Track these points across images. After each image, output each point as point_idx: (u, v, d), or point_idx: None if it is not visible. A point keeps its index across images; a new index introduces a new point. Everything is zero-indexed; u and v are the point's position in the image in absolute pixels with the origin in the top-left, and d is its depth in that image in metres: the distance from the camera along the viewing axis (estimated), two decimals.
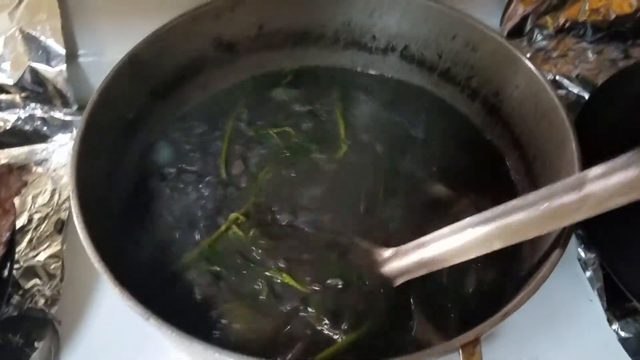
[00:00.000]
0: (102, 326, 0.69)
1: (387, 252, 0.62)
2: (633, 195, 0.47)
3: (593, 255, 0.73)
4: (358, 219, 0.68)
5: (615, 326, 0.70)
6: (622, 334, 0.69)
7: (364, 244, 0.65)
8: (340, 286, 0.62)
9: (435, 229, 0.57)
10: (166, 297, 0.59)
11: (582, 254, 0.74)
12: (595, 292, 0.72)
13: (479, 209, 0.54)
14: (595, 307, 0.72)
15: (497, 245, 0.53)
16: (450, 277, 0.63)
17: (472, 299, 0.63)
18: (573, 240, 0.74)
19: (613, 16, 0.97)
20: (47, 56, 0.83)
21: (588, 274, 0.74)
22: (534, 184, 0.69)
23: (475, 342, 0.48)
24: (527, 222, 0.51)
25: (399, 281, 0.61)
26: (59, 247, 0.73)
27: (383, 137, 0.76)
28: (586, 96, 0.92)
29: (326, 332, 0.60)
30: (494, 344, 0.68)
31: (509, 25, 0.97)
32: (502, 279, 0.64)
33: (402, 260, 0.60)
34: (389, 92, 0.83)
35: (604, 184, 0.47)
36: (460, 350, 0.47)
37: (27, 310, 0.68)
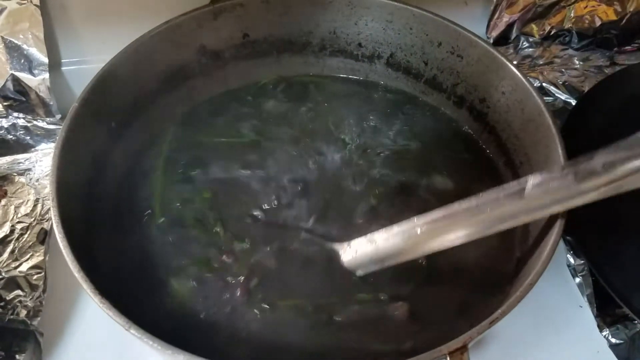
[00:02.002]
0: (85, 338, 0.68)
1: (343, 246, 0.63)
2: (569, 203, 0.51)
3: (582, 262, 0.73)
4: (343, 223, 0.68)
5: (605, 332, 0.70)
6: (613, 340, 0.69)
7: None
8: None
9: None
10: (149, 307, 0.58)
11: (571, 260, 0.74)
12: (585, 299, 0.72)
13: None
14: (585, 314, 0.71)
15: (447, 244, 0.55)
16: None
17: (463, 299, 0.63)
18: (562, 246, 0.74)
19: (598, 23, 0.98)
20: (30, 65, 0.82)
21: (577, 280, 0.73)
22: None
23: (463, 349, 0.47)
24: (471, 224, 0.54)
25: (360, 273, 0.61)
26: (41, 258, 0.72)
27: (370, 143, 0.76)
28: (573, 103, 0.93)
29: None
30: (482, 351, 0.67)
31: (495, 33, 0.98)
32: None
33: (355, 254, 0.61)
34: (375, 99, 0.83)
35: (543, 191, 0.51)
36: (448, 358, 0.47)
37: (9, 321, 0.66)
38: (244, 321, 0.61)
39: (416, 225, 0.56)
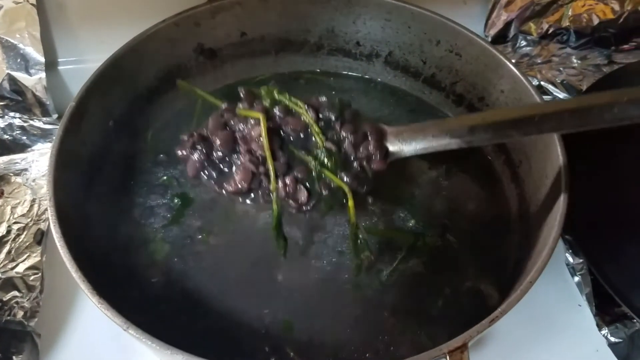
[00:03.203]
0: (83, 339, 0.68)
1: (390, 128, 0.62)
2: None
3: (581, 261, 0.73)
4: None
5: (604, 331, 0.70)
6: (612, 339, 0.69)
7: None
8: None
9: None
10: (147, 307, 0.58)
11: (570, 259, 0.74)
12: (584, 297, 0.72)
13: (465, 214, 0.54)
14: (584, 313, 0.71)
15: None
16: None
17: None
18: (561, 245, 0.74)
19: (596, 22, 0.98)
20: (26, 64, 0.81)
21: (576, 279, 0.73)
22: (520, 188, 0.69)
23: (463, 347, 0.47)
24: None
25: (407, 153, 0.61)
26: (38, 259, 0.72)
27: None
28: None
29: None
30: (482, 350, 0.67)
31: (493, 31, 0.98)
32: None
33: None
34: (373, 97, 0.83)
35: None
36: (448, 357, 0.47)
37: (6, 322, 0.66)
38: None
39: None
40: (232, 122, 0.60)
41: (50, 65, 0.85)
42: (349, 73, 0.85)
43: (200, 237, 0.67)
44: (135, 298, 0.60)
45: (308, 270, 0.64)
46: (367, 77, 0.85)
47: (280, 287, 0.63)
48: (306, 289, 0.63)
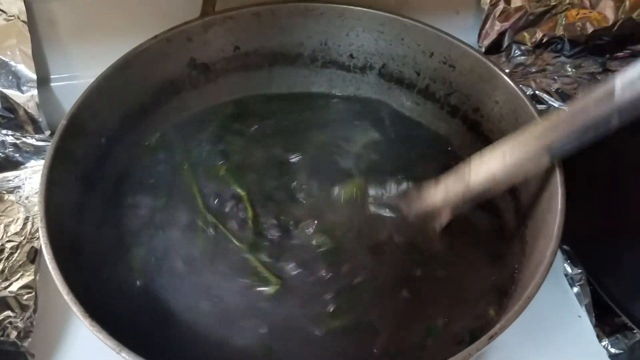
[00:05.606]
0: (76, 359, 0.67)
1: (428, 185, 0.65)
2: None
3: (580, 271, 0.72)
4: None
5: (605, 342, 0.69)
6: (612, 350, 0.68)
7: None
8: None
9: None
10: (140, 329, 0.57)
11: (569, 270, 0.74)
12: (584, 308, 0.71)
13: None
14: (584, 324, 0.71)
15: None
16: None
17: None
18: (559, 256, 0.74)
19: (590, 30, 0.98)
20: (18, 81, 0.81)
21: (575, 289, 0.73)
22: (515, 199, 0.69)
23: None
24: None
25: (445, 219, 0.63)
26: (32, 277, 0.71)
27: (364, 154, 0.76)
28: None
29: None
30: None
31: (487, 42, 0.98)
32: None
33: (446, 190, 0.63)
34: (367, 110, 0.82)
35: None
36: None
37: None
38: None
39: (505, 151, 0.58)
40: None
41: (42, 82, 0.84)
42: (342, 89, 0.85)
43: (198, 257, 0.66)
44: (129, 319, 0.59)
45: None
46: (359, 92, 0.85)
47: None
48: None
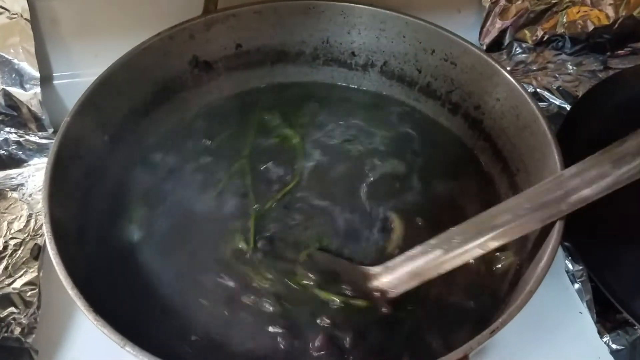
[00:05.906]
0: (81, 355, 0.67)
1: (377, 269, 0.63)
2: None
3: (581, 267, 0.72)
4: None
5: (606, 338, 0.69)
6: (614, 346, 0.68)
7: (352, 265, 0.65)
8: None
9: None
10: (145, 323, 0.58)
11: (570, 266, 0.74)
12: (585, 305, 0.71)
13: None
14: (585, 320, 0.71)
15: (492, 246, 0.57)
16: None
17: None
18: (560, 252, 0.74)
19: (591, 28, 0.98)
20: (21, 79, 0.81)
21: (577, 286, 0.73)
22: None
23: (464, 359, 0.47)
24: (514, 221, 0.56)
25: (394, 293, 0.61)
26: (35, 274, 0.71)
27: (365, 152, 0.76)
28: (567, 108, 0.93)
29: None
30: (483, 359, 0.66)
31: (488, 39, 0.98)
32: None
33: (393, 274, 0.61)
34: (369, 108, 0.82)
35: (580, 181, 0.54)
36: None
37: (3, 339, 0.65)
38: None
39: (454, 234, 0.58)
40: None
41: (45, 80, 0.85)
42: (344, 86, 0.85)
43: (199, 252, 0.66)
44: (134, 313, 0.59)
45: None
46: (362, 89, 0.85)
47: None
48: None
